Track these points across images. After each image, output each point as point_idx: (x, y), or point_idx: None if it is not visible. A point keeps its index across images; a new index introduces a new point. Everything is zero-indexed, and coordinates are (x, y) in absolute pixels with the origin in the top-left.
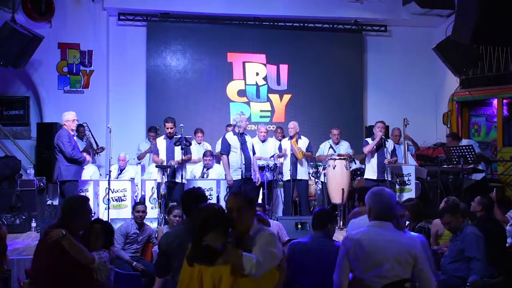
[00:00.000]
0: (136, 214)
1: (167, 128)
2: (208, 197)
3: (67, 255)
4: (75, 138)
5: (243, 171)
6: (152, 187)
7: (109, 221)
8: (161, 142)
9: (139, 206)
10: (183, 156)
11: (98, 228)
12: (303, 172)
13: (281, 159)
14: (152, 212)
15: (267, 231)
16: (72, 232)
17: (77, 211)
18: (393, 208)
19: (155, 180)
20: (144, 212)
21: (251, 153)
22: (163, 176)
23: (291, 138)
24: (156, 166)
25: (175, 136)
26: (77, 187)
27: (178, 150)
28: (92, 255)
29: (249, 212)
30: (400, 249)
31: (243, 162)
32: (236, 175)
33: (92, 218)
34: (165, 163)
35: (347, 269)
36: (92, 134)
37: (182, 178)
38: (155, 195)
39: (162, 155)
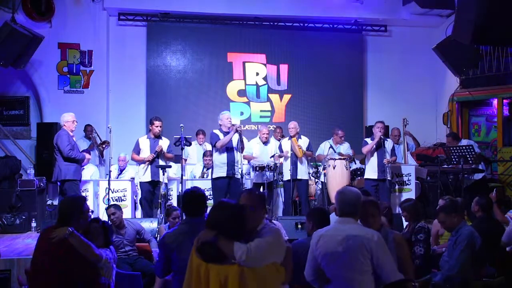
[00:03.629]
0: (109, 218)
1: (157, 127)
2: (208, 197)
3: (72, 254)
4: (74, 138)
5: (228, 169)
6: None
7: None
8: (144, 142)
9: (108, 209)
10: (167, 153)
11: (97, 227)
12: (303, 172)
13: (281, 159)
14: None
15: (274, 227)
16: None
17: (75, 211)
18: (354, 205)
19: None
20: (115, 214)
21: (235, 152)
22: (163, 176)
23: (291, 138)
24: (157, 166)
25: (175, 136)
26: (78, 186)
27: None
28: (100, 252)
29: (261, 210)
30: (356, 243)
31: (228, 161)
32: (221, 173)
33: (91, 218)
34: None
35: (315, 263)
36: (98, 134)
37: (182, 178)
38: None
39: (144, 154)
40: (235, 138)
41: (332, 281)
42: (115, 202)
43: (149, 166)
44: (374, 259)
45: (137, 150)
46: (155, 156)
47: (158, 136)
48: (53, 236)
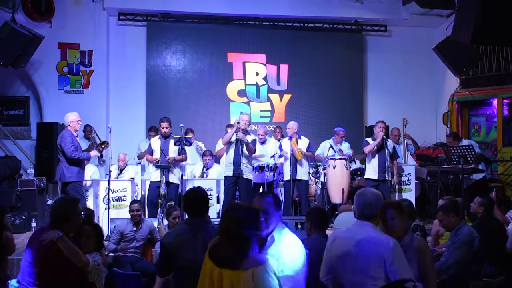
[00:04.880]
0: (131, 213)
1: (162, 128)
2: (208, 196)
3: (62, 257)
4: (78, 138)
5: (234, 169)
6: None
7: (109, 221)
8: (156, 142)
9: (133, 205)
10: (177, 156)
11: (88, 229)
12: (303, 172)
13: (281, 159)
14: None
15: (289, 238)
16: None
17: (68, 213)
18: (373, 209)
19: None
20: (139, 210)
21: (245, 153)
22: (163, 176)
23: (290, 138)
24: (156, 166)
25: (174, 136)
26: (81, 188)
27: (172, 150)
28: (87, 258)
29: (276, 213)
30: (370, 248)
31: (235, 160)
32: (228, 172)
33: (83, 220)
34: (159, 163)
35: (329, 264)
36: (97, 135)
37: (181, 178)
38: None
39: (157, 155)
40: (248, 139)
41: (345, 285)
42: (115, 202)
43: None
44: (388, 266)
45: (150, 151)
46: (163, 162)
47: (168, 136)
48: (43, 238)
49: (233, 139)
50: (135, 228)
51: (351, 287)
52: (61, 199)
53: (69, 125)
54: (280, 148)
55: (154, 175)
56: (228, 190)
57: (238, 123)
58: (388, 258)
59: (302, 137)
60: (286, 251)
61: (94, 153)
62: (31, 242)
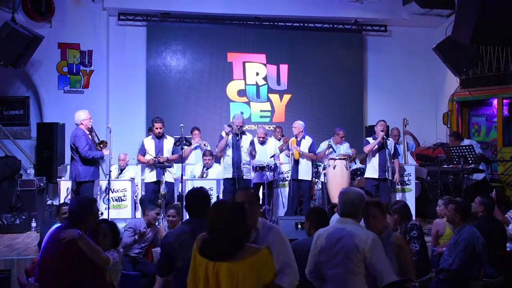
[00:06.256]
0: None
1: (156, 128)
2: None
3: (81, 256)
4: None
5: (234, 171)
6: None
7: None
8: (149, 142)
9: (170, 210)
10: (170, 156)
11: (105, 228)
12: (306, 173)
13: (282, 160)
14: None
15: (274, 227)
16: None
17: (85, 212)
18: (355, 207)
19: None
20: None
21: (244, 154)
22: (163, 176)
23: (296, 137)
24: (157, 166)
25: (175, 136)
26: (93, 187)
27: (166, 150)
28: (107, 256)
29: (257, 206)
30: (350, 244)
31: (233, 162)
32: (228, 174)
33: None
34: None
35: (314, 261)
36: (96, 134)
37: (182, 178)
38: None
39: (151, 155)
40: (245, 140)
41: (328, 280)
42: (115, 202)
43: (155, 166)
44: (367, 261)
45: (142, 151)
46: (157, 162)
47: (161, 136)
48: (62, 237)
49: (230, 144)
50: (146, 230)
51: (333, 281)
52: (79, 199)
53: (81, 123)
54: (289, 148)
55: (149, 175)
56: (227, 194)
57: (229, 126)
58: (367, 252)
59: (306, 137)
60: (275, 240)
61: (106, 151)
62: (48, 242)
